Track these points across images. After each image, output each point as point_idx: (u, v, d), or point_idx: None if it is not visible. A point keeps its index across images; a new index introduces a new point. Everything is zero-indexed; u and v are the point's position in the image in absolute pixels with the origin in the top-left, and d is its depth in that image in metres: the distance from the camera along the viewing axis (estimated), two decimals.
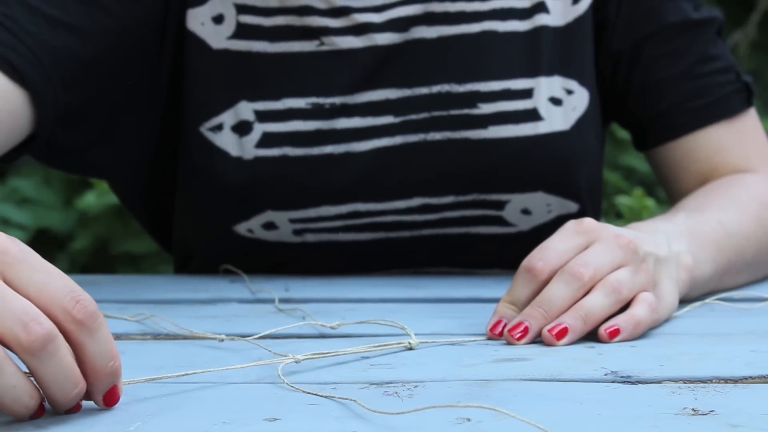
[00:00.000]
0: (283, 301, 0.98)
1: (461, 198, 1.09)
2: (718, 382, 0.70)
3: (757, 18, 2.50)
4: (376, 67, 1.08)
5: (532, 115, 1.08)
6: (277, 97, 1.08)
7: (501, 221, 1.10)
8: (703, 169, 1.13)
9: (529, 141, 1.08)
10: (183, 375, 0.70)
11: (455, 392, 0.68)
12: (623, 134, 2.11)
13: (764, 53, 2.58)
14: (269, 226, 1.09)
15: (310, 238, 1.10)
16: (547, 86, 1.09)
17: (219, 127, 1.08)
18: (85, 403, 0.66)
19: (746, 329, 0.85)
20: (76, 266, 2.12)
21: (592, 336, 0.82)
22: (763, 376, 0.71)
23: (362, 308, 0.97)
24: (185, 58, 1.09)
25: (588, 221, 0.87)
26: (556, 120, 1.09)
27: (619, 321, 0.82)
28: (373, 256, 1.13)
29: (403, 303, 0.99)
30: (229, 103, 1.08)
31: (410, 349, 0.80)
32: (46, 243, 2.17)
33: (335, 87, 1.08)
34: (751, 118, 1.15)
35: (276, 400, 0.67)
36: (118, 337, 0.85)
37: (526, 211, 1.10)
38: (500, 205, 1.10)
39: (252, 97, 1.08)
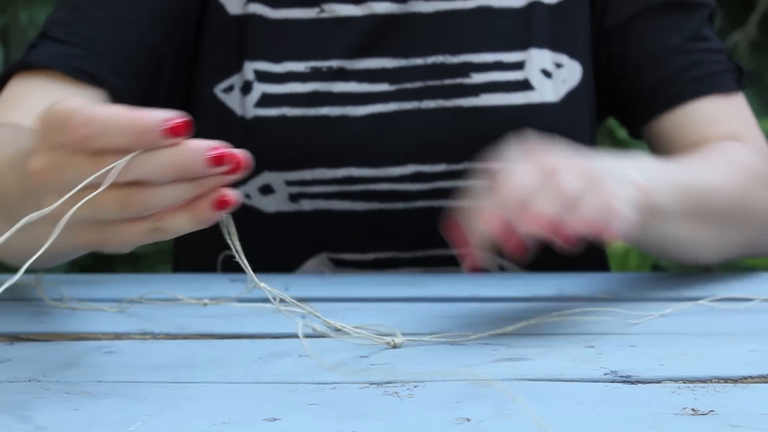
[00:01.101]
0: (283, 300, 0.98)
1: (453, 167, 1.12)
2: (718, 382, 0.70)
3: (757, 18, 2.49)
4: (374, 35, 1.14)
5: (524, 85, 1.12)
6: (277, 60, 1.13)
7: None
8: (694, 140, 1.14)
9: (521, 110, 1.11)
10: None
11: (455, 392, 0.68)
12: (623, 134, 2.11)
13: (764, 53, 2.58)
14: (266, 189, 1.12)
15: (306, 205, 1.13)
16: (538, 58, 1.13)
17: (230, 88, 1.14)
18: (81, 401, 0.66)
19: (746, 329, 0.85)
20: (75, 266, 2.12)
21: (591, 336, 0.82)
22: (763, 376, 0.71)
23: (362, 308, 0.97)
24: (205, 21, 1.16)
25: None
26: (547, 91, 1.12)
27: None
28: (368, 231, 1.14)
29: (403, 303, 0.99)
30: (239, 66, 1.14)
31: (394, 347, 0.80)
32: None
33: (334, 52, 1.13)
34: (741, 100, 1.17)
35: (276, 400, 0.67)
36: (118, 336, 0.86)
37: None
38: None
39: (252, 58, 1.13)
